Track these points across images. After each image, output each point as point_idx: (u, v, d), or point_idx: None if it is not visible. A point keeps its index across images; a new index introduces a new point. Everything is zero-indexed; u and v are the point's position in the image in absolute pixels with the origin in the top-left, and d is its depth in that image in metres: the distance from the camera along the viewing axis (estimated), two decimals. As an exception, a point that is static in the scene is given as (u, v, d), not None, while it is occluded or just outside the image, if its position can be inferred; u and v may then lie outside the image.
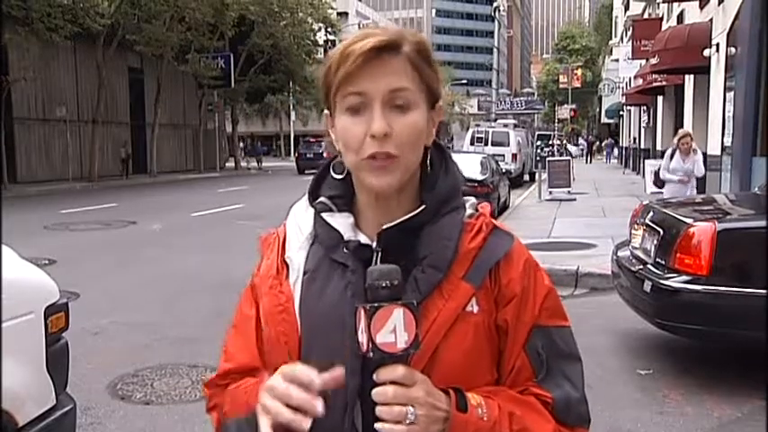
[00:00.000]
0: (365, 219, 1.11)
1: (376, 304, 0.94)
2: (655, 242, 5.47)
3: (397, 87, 1.02)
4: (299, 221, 1.16)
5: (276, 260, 1.15)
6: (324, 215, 1.12)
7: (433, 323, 1.03)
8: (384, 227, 1.06)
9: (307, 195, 1.17)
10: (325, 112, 1.10)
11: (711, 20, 14.07)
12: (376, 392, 0.94)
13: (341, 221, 1.10)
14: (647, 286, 5.20)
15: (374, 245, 1.06)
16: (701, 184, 15.37)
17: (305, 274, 1.11)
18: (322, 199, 1.13)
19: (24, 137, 27.74)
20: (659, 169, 10.05)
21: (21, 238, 10.26)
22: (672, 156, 9.66)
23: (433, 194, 1.09)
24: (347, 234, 1.09)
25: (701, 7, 15.35)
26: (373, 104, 1.01)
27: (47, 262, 9.63)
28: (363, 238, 1.09)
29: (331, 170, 1.14)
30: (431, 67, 1.08)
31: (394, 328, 0.93)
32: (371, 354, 0.93)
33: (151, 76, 35.06)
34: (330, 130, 1.10)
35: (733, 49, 11.77)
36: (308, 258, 1.12)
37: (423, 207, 1.07)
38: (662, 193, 9.71)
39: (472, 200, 1.14)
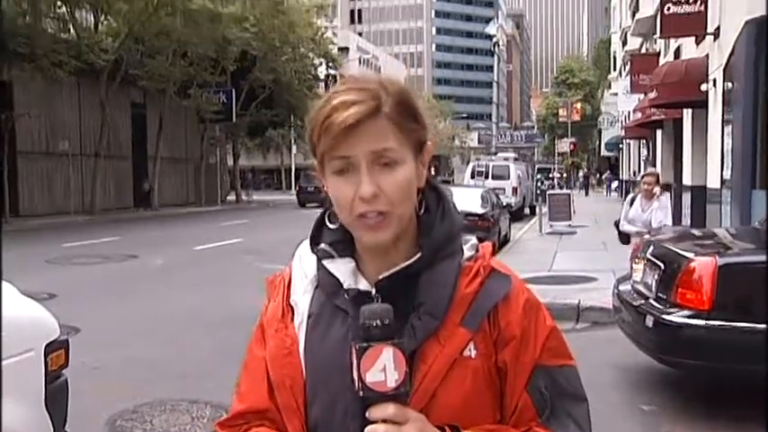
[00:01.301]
0: (366, 263, 1.12)
1: (365, 344, 0.95)
2: (656, 277, 5.46)
3: (381, 148, 1.03)
4: (304, 264, 1.18)
5: (282, 303, 1.17)
6: (325, 262, 1.13)
7: (429, 369, 1.05)
8: (381, 276, 1.08)
9: (309, 240, 1.18)
10: (315, 163, 1.12)
11: (707, 55, 14.22)
12: (367, 431, 0.95)
13: (341, 268, 1.11)
14: (649, 321, 5.19)
15: (373, 292, 1.08)
16: (701, 217, 15.44)
17: (309, 317, 1.13)
18: (323, 246, 1.14)
19: (27, 170, 27.87)
20: (620, 219, 8.48)
21: (22, 271, 10.24)
22: (632, 201, 8.10)
23: (429, 240, 1.10)
24: (347, 281, 1.10)
25: (697, 43, 15.53)
26: (359, 166, 1.03)
27: (47, 296, 9.61)
28: (363, 285, 1.10)
29: (326, 220, 1.16)
30: (414, 118, 1.08)
31: (384, 368, 0.94)
32: (362, 393, 0.94)
33: (153, 110, 35.36)
34: (321, 180, 1.12)
35: (729, 84, 11.87)
36: (312, 302, 1.14)
37: (419, 255, 1.08)
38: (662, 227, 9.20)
39: (473, 240, 1.15)
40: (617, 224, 8.52)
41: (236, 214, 31.27)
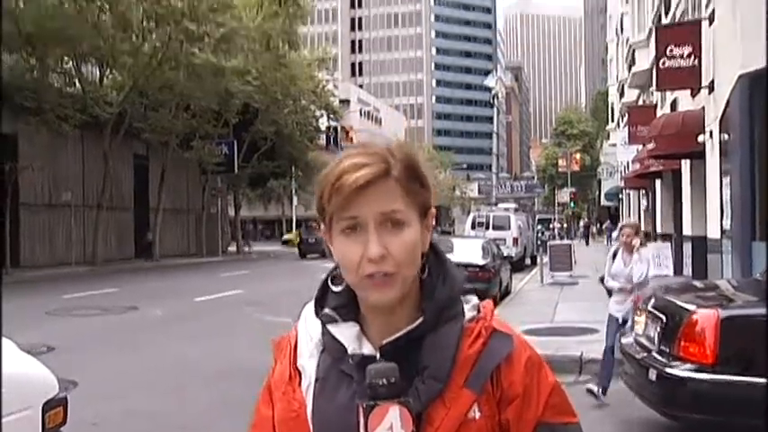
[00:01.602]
0: (370, 327, 1.13)
1: (372, 402, 0.96)
2: (658, 329, 5.44)
3: (389, 210, 1.06)
4: (309, 327, 1.18)
5: (289, 366, 1.18)
6: (329, 326, 1.14)
7: (436, 431, 1.05)
8: (384, 342, 1.09)
9: (313, 303, 1.19)
10: (322, 226, 1.14)
11: (704, 108, 14.41)
12: None
13: (346, 333, 1.13)
14: (652, 374, 5.15)
15: (377, 357, 1.09)
16: (702, 268, 15.42)
17: (316, 381, 1.14)
18: (327, 310, 1.15)
19: (29, 222, 27.98)
20: (604, 274, 7.91)
21: (21, 324, 10.20)
22: (615, 255, 7.65)
23: (431, 304, 1.11)
24: (351, 346, 1.11)
25: (693, 96, 15.75)
26: (367, 227, 1.06)
27: (46, 349, 9.55)
28: (368, 349, 1.11)
29: (330, 283, 1.18)
30: (420, 183, 1.11)
31: (391, 426, 0.95)
32: None
33: (156, 162, 35.67)
34: (327, 241, 1.13)
35: (726, 136, 12.01)
36: (318, 366, 1.15)
37: (421, 320, 1.10)
38: (667, 276, 9.01)
39: (474, 300, 1.16)
40: (602, 279, 8.15)
41: (236, 265, 31.23)
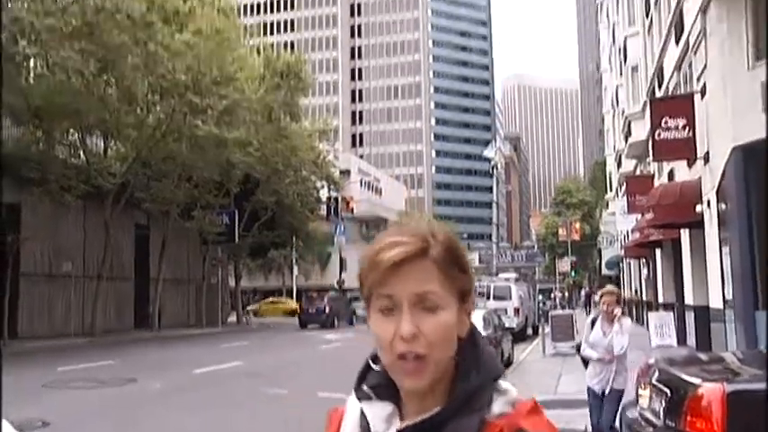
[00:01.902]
0: (406, 406, 1.14)
1: None
2: (663, 403, 5.38)
3: (424, 291, 1.07)
4: (353, 403, 1.21)
5: None
6: (363, 404, 1.17)
7: None
8: (403, 425, 1.11)
9: (356, 380, 1.21)
10: (364, 306, 1.16)
11: (700, 178, 14.59)
12: None
13: (377, 412, 1.15)
14: (659, 450, 5.07)
15: None
16: (706, 338, 15.31)
17: None
18: (364, 388, 1.17)
19: (28, 293, 27.88)
20: (581, 343, 7.60)
21: (17, 397, 10.07)
22: (593, 322, 7.27)
23: (458, 391, 1.11)
24: (376, 426, 1.13)
25: (689, 166, 15.97)
26: (402, 306, 1.07)
27: (41, 425, 9.40)
28: (394, 429, 1.12)
29: (371, 361, 1.19)
30: (460, 267, 1.12)
31: None
32: None
33: (157, 232, 35.80)
34: (368, 319, 1.15)
35: (723, 206, 12.13)
36: None
37: (441, 408, 1.09)
38: (670, 346, 8.82)
39: (512, 395, 1.12)
40: (578, 348, 7.81)
41: (236, 336, 30.94)
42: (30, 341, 25.14)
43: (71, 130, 29.17)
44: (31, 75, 27.06)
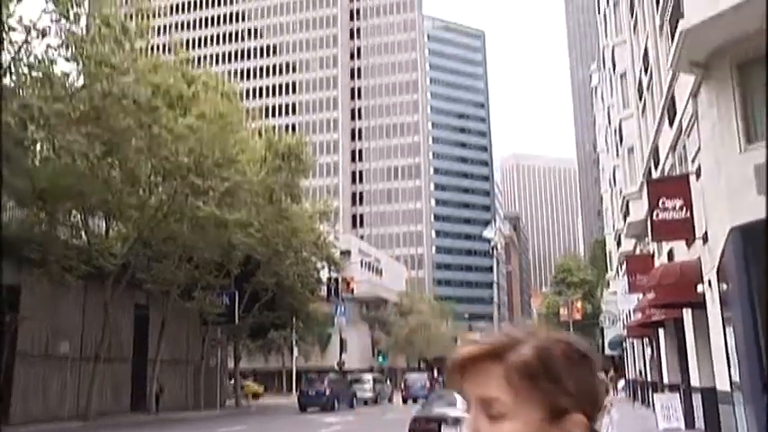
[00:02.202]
0: None
1: None
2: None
3: (486, 397, 1.02)
4: None
5: None
6: None
7: None
8: None
9: None
10: None
11: (700, 257, 14.63)
12: None
13: None
14: None
15: None
16: (714, 420, 14.99)
17: None
18: None
19: (24, 374, 27.44)
20: None
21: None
22: None
23: None
24: None
25: (688, 246, 16.04)
26: (471, 405, 1.04)
27: None
28: None
29: None
30: (550, 378, 1.02)
31: None
32: None
33: (156, 312, 35.57)
34: None
35: (725, 286, 12.12)
36: None
37: None
38: (678, 429, 8.54)
39: None
40: None
41: (235, 419, 30.31)
42: (24, 426, 24.60)
43: (74, 212, 29.41)
44: (38, 158, 27.53)
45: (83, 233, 29.55)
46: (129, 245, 30.00)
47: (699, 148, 13.46)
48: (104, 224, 32.08)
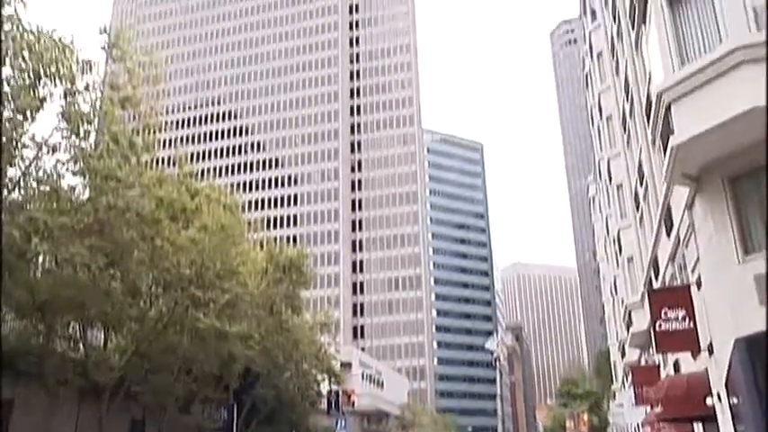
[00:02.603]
0: None
1: None
2: None
3: None
4: None
5: None
6: None
7: None
8: None
9: None
10: None
11: (707, 369, 14.42)
12: None
13: None
14: None
15: None
16: None
17: None
18: None
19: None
20: None
21: None
22: None
23: None
24: None
25: (694, 357, 15.84)
26: None
27: None
28: None
29: None
30: None
31: None
32: None
33: (153, 426, 34.52)
34: None
35: (735, 399, 11.90)
36: None
37: None
38: None
39: None
40: None
41: None
42: None
43: (72, 323, 29.19)
44: (39, 270, 27.59)
45: (80, 345, 29.20)
46: (127, 357, 29.57)
47: (698, 259, 13.56)
48: (103, 336, 31.73)
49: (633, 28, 17.86)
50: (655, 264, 21.07)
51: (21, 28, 20.93)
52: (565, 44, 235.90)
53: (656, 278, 20.92)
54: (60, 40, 22.13)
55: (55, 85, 22.24)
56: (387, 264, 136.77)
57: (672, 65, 11.63)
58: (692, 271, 14.60)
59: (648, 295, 16.95)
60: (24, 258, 23.32)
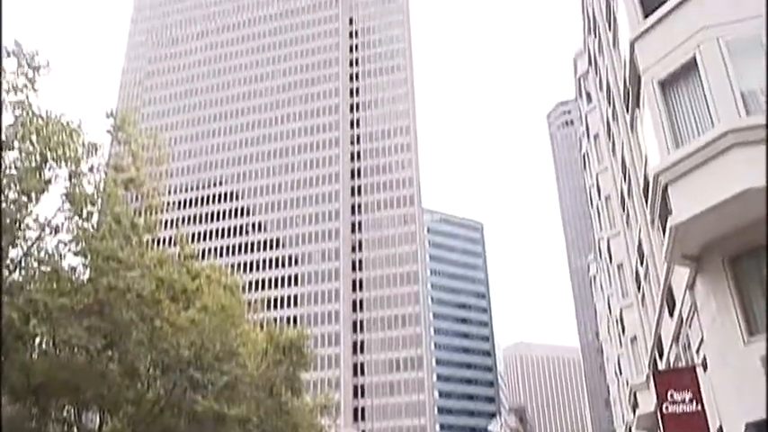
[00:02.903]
0: None
1: None
2: None
3: None
4: None
5: None
6: None
7: None
8: None
9: None
10: None
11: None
12: None
13: None
14: None
15: None
16: None
17: None
18: None
19: None
20: None
21: None
22: None
23: None
24: None
25: None
26: None
27: None
28: None
29: None
30: None
31: None
32: None
33: None
34: None
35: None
36: None
37: None
38: None
39: None
40: None
41: None
42: None
43: (67, 406, 28.61)
44: (36, 351, 27.24)
45: (75, 429, 28.53)
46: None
47: (702, 339, 13.42)
48: (98, 419, 31.05)
49: (628, 110, 18.26)
50: (659, 344, 20.83)
51: (30, 113, 21.41)
52: (562, 125, 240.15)
53: (661, 358, 20.63)
54: (68, 124, 22.58)
55: (60, 168, 22.57)
56: (388, 344, 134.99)
57: (667, 146, 11.84)
58: (697, 351, 14.42)
59: (654, 377, 16.67)
60: (22, 340, 23.08)
